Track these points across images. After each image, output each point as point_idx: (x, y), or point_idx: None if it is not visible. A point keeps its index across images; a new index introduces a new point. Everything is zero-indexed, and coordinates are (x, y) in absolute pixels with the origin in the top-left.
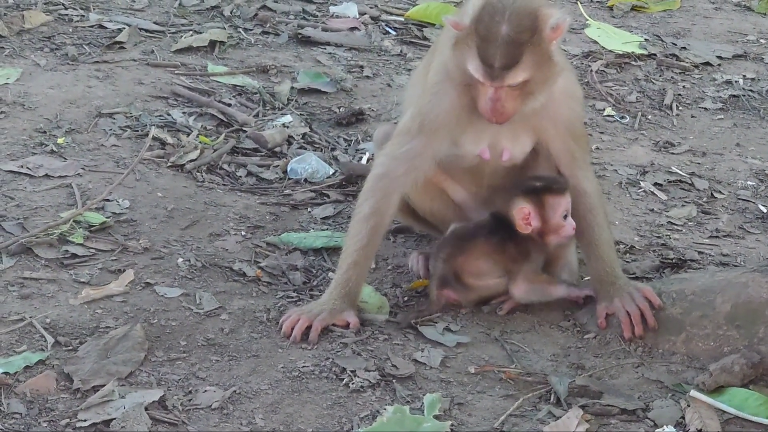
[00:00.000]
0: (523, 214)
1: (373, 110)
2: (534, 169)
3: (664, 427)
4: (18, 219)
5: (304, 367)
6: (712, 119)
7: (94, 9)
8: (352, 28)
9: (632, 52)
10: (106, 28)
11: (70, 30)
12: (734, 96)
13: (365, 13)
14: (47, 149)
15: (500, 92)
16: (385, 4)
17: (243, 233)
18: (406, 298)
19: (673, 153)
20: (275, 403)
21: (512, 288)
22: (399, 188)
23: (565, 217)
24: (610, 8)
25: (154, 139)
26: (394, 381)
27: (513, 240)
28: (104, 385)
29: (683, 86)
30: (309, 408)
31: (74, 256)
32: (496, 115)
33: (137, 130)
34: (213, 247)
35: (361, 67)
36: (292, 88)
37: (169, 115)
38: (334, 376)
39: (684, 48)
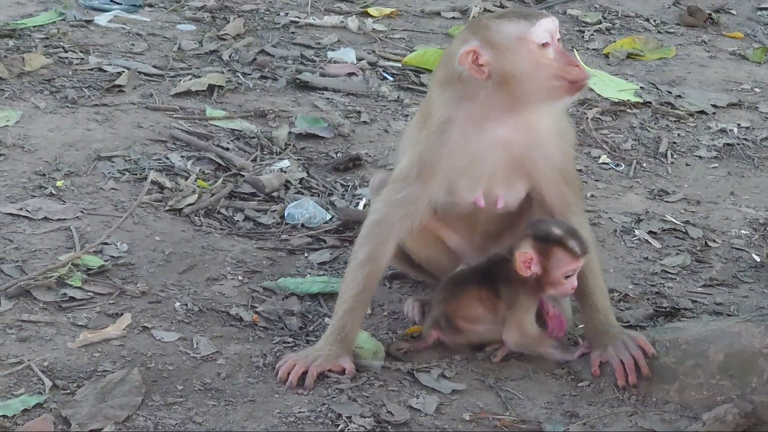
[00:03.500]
0: (524, 258)
1: (370, 156)
2: (529, 216)
3: None
4: (17, 261)
5: (300, 412)
6: (706, 168)
7: (93, 52)
8: (350, 74)
9: (628, 100)
10: (106, 71)
11: (70, 73)
12: (729, 144)
13: (363, 59)
14: (46, 192)
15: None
16: (382, 50)
17: (240, 278)
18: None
19: (667, 201)
20: None
21: (505, 334)
22: (395, 234)
23: (568, 277)
24: (606, 56)
25: (153, 182)
26: (389, 427)
27: (505, 283)
28: (101, 429)
29: (678, 134)
30: None
31: (72, 299)
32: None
33: (136, 174)
34: (210, 291)
35: (359, 112)
36: (290, 132)
37: (167, 158)
38: (330, 422)
39: (679, 96)
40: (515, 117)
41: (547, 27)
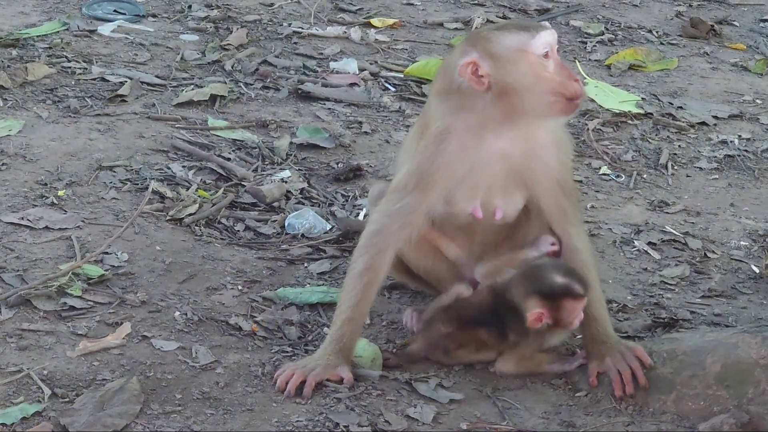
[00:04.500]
0: (535, 317)
1: (371, 166)
2: (527, 227)
3: None
4: (17, 271)
5: (297, 421)
6: (707, 179)
7: (96, 62)
8: (352, 84)
9: (629, 111)
10: (109, 81)
11: (73, 83)
12: (729, 156)
13: (365, 69)
14: (48, 201)
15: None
16: (384, 61)
17: (240, 287)
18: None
19: (667, 212)
20: None
21: (500, 364)
22: (393, 244)
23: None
24: (608, 67)
25: (154, 192)
26: None
27: (514, 329)
28: None
29: (679, 146)
30: None
31: (72, 308)
32: (574, 76)
33: (137, 184)
34: (210, 300)
35: (360, 123)
36: (291, 143)
37: (168, 168)
38: (327, 431)
39: (680, 107)
40: (513, 129)
41: (546, 39)
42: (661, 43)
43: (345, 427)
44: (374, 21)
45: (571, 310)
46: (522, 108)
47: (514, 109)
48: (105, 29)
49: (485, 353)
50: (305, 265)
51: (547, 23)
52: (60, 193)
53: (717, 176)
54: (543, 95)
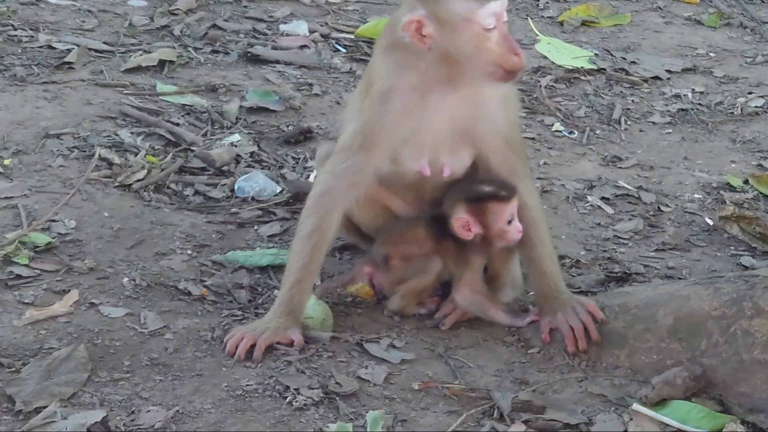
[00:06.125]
0: (460, 223)
1: (321, 128)
2: None
3: None
4: None
5: (247, 385)
6: (660, 133)
7: (43, 29)
8: (302, 46)
9: (582, 67)
10: (56, 48)
11: (19, 50)
12: (683, 110)
13: (315, 31)
14: None
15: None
16: (335, 22)
17: (189, 252)
18: (348, 300)
19: (620, 167)
20: (218, 422)
21: (455, 293)
22: (341, 204)
23: (510, 222)
24: (561, 23)
25: (102, 159)
26: (337, 398)
27: (455, 240)
28: (47, 407)
29: (632, 100)
30: (252, 426)
31: (19, 276)
32: (519, 49)
33: (85, 151)
34: (159, 266)
35: (311, 84)
36: (241, 106)
37: (117, 135)
38: (278, 395)
39: (633, 62)
40: (457, 88)
41: (494, 10)
42: None
43: (296, 390)
44: None
45: (498, 213)
46: (462, 73)
47: (455, 73)
48: None
49: (428, 261)
50: (255, 228)
51: None
52: (6, 161)
53: (670, 130)
54: (483, 65)
